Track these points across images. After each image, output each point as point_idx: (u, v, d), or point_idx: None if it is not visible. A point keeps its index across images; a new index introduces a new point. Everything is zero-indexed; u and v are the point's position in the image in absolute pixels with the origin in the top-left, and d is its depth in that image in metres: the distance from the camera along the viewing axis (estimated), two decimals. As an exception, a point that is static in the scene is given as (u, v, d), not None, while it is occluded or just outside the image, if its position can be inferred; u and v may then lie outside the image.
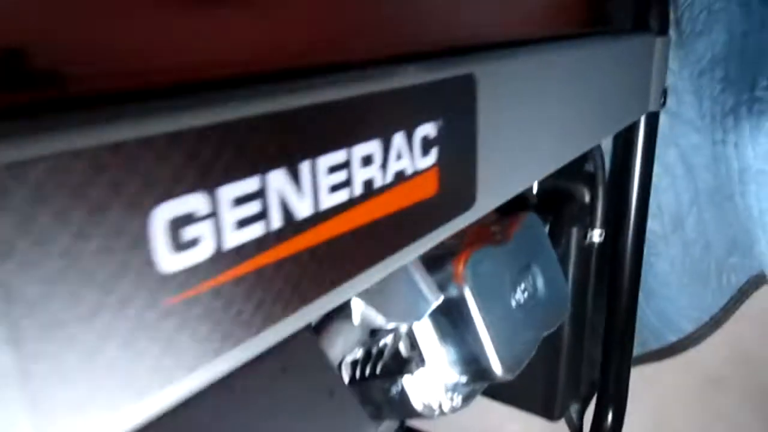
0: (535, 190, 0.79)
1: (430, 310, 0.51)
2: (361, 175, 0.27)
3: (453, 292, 0.54)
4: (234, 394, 0.28)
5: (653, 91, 0.73)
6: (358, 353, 0.60)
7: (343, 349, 0.52)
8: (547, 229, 0.74)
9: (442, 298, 0.51)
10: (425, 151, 0.31)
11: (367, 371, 0.59)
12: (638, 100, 0.72)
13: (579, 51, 0.53)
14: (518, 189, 0.43)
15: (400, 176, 0.30)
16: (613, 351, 0.90)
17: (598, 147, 0.78)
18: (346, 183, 0.27)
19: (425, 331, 0.55)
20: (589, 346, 0.98)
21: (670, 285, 0.94)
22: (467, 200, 0.37)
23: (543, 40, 0.46)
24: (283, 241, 0.24)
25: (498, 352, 0.54)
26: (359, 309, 0.49)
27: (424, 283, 0.52)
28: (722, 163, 0.77)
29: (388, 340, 0.55)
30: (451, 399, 0.56)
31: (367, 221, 0.28)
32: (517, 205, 0.76)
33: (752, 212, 0.75)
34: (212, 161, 0.20)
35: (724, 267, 0.89)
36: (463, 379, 0.56)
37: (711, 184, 0.81)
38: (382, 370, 0.58)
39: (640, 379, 1.05)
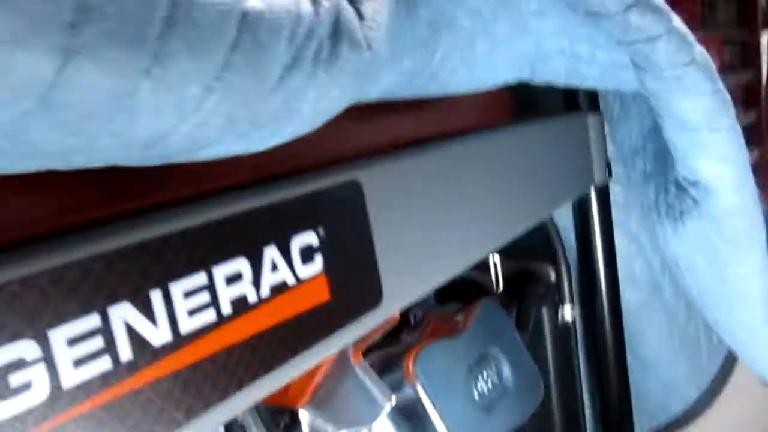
0: (500, 276, 0.80)
1: (382, 414, 0.50)
2: (227, 294, 0.28)
3: (407, 391, 0.53)
4: None
5: (596, 165, 0.75)
6: (326, 468, 0.58)
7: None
8: (514, 313, 0.73)
9: (394, 399, 0.50)
10: (307, 260, 0.32)
11: (335, 486, 0.57)
12: (582, 175, 0.74)
13: (499, 139, 0.56)
14: (434, 282, 0.43)
15: (279, 288, 0.31)
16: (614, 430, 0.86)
17: (553, 224, 0.79)
18: (210, 304, 0.27)
19: (386, 436, 0.54)
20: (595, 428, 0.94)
21: (664, 352, 0.91)
22: (372, 299, 0.37)
23: (444, 138, 0.48)
24: (136, 371, 0.24)
25: (460, 448, 0.52)
26: (306, 422, 0.49)
27: (373, 385, 0.51)
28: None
29: (349, 450, 0.54)
30: (424, 507, 0.53)
31: (244, 337, 0.29)
32: (480, 292, 0.77)
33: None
34: (38, 307, 0.21)
35: (710, 327, 0.87)
36: (434, 483, 0.54)
37: (675, 253, 0.81)
38: (349, 483, 0.56)
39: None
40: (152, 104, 0.20)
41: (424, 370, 0.53)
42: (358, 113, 0.35)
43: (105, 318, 0.23)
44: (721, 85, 0.54)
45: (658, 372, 0.93)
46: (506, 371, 0.61)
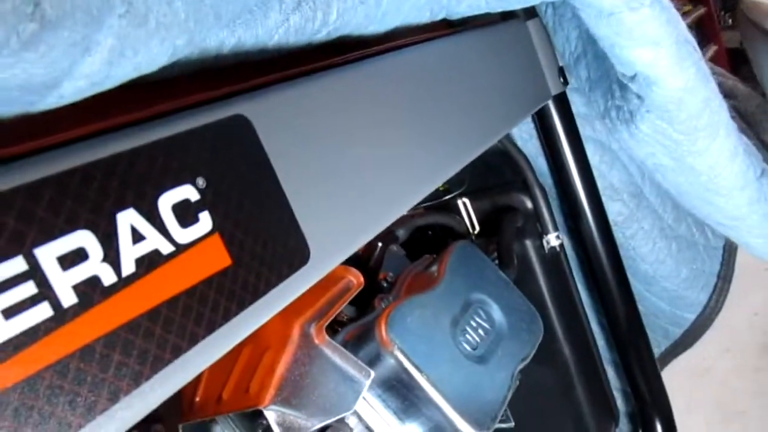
0: (473, 218, 0.73)
1: (362, 393, 0.43)
2: (64, 281, 0.21)
3: (387, 361, 0.46)
4: None
5: (548, 73, 0.68)
6: (320, 467, 0.52)
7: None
8: (495, 255, 0.67)
9: (372, 374, 0.44)
10: (187, 220, 0.25)
11: (334, 485, 0.50)
12: (535, 86, 0.67)
13: (426, 55, 0.48)
14: (372, 228, 0.36)
15: (152, 261, 0.24)
16: (630, 357, 0.80)
17: (519, 152, 0.72)
18: (41, 297, 0.20)
19: (376, 416, 0.47)
20: (611, 352, 0.88)
21: (662, 261, 0.85)
22: (297, 255, 0.30)
23: (359, 58, 0.40)
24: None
25: (459, 408, 0.45)
26: (274, 421, 0.42)
27: (346, 364, 0.44)
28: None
29: (338, 441, 0.47)
30: (434, 483, 0.47)
31: (110, 328, 0.22)
32: (455, 238, 0.70)
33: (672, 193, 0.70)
34: None
35: (701, 222, 0.81)
36: (440, 454, 0.47)
37: (641, 157, 0.75)
38: (347, 478, 0.49)
39: (688, 372, 0.94)
40: None
41: (400, 333, 0.46)
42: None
43: None
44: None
45: (661, 284, 0.87)
46: (497, 315, 0.54)
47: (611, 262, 0.77)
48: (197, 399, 0.47)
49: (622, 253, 0.80)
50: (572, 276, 0.77)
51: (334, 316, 0.47)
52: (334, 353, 0.45)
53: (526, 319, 0.56)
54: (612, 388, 0.88)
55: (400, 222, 0.61)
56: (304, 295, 0.52)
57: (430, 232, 0.72)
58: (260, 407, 0.41)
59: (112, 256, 0.22)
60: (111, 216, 0.23)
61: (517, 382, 0.54)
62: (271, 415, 0.42)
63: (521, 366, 0.53)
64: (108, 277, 0.22)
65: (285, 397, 0.42)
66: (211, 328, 0.25)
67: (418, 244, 0.67)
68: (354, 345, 0.47)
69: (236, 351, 0.48)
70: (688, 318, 0.88)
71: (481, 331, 0.52)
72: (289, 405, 0.42)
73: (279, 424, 0.41)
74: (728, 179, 0.62)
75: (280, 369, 0.43)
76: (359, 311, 0.55)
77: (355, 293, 0.50)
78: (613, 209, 0.79)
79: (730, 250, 0.86)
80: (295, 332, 0.45)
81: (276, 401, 0.42)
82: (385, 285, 0.58)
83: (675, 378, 0.90)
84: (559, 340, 0.74)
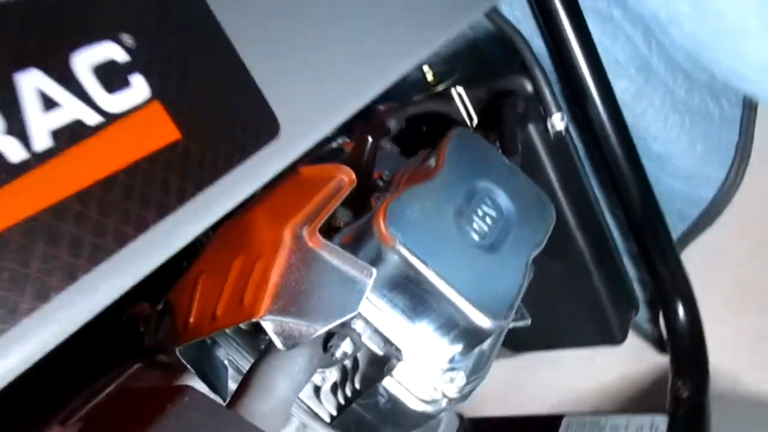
0: (470, 109, 0.68)
1: (366, 293, 0.40)
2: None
3: (389, 258, 0.42)
4: None
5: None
6: (333, 376, 0.49)
7: (295, 384, 0.41)
8: (497, 144, 0.62)
9: (374, 272, 0.40)
10: (115, 85, 0.21)
11: (348, 392, 0.48)
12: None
13: None
14: (354, 101, 0.31)
15: (72, 134, 0.19)
16: (647, 241, 0.77)
17: (512, 28, 0.66)
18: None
19: (384, 317, 0.44)
20: (627, 243, 0.85)
21: (676, 138, 0.80)
22: (264, 128, 0.26)
23: None
24: None
25: (471, 299, 0.42)
26: (273, 331, 0.38)
27: (345, 264, 0.40)
28: None
29: (347, 347, 0.44)
30: (452, 380, 0.44)
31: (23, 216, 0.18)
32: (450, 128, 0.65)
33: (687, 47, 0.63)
34: None
35: (716, 91, 0.76)
36: (455, 349, 0.45)
37: (653, 8, 0.68)
38: (361, 383, 0.47)
39: (705, 255, 0.91)
40: None
41: (400, 226, 0.42)
42: None
43: None
44: None
45: (675, 163, 0.82)
46: (504, 202, 0.50)
47: (622, 144, 0.72)
48: (191, 320, 0.44)
49: (631, 134, 0.75)
50: (581, 162, 0.73)
51: (326, 217, 0.44)
52: (331, 255, 0.41)
53: (536, 205, 0.52)
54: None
55: (391, 113, 0.56)
56: (292, 199, 0.48)
57: (424, 128, 0.67)
58: (256, 318, 0.38)
59: (17, 128, 0.18)
60: (7, 77, 0.18)
61: (532, 274, 0.51)
62: (269, 325, 0.38)
63: (535, 253, 0.50)
64: (15, 153, 0.18)
65: (282, 305, 0.39)
66: (163, 213, 0.21)
67: (412, 142, 0.62)
68: (351, 247, 0.43)
69: (228, 264, 0.44)
70: (705, 197, 0.83)
71: (488, 220, 0.48)
72: (287, 313, 0.39)
73: (278, 334, 0.38)
74: (754, 18, 0.56)
75: (274, 277, 0.40)
76: (356, 215, 0.51)
77: (348, 192, 0.46)
78: (619, 86, 0.73)
79: (748, 120, 0.81)
80: (287, 236, 0.42)
81: (272, 311, 0.39)
82: (380, 184, 0.54)
83: (692, 262, 0.87)
84: (572, 230, 0.71)
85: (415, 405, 0.44)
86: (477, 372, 0.47)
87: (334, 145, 0.59)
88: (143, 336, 0.54)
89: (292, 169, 0.54)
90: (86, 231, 0.19)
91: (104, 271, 0.19)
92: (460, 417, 0.77)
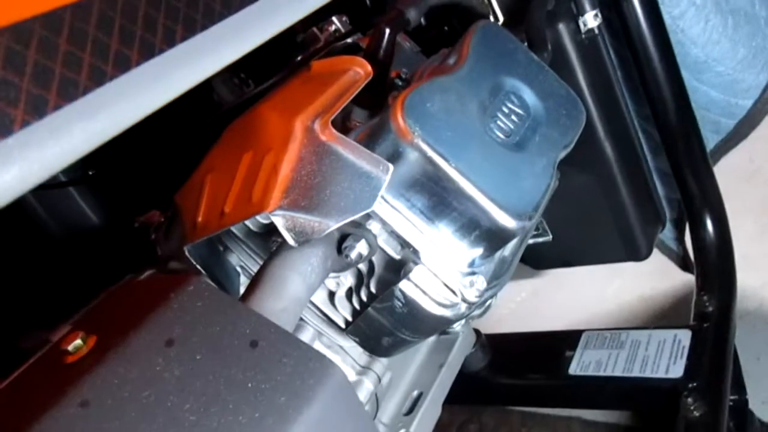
0: (495, 6, 0.63)
1: (382, 188, 0.37)
2: None
3: (408, 154, 0.40)
4: None
5: None
6: (347, 281, 0.48)
7: (308, 284, 0.39)
8: (524, 42, 0.57)
9: (391, 167, 0.37)
10: None
11: (364, 296, 0.46)
12: None
13: None
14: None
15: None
16: (680, 151, 0.73)
17: None
18: None
19: (401, 218, 0.42)
20: (656, 160, 0.81)
21: (717, 41, 0.74)
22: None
23: None
24: None
25: (495, 198, 0.39)
26: (283, 226, 0.36)
27: (360, 158, 0.38)
28: None
29: (362, 249, 0.42)
30: (471, 284, 0.42)
31: None
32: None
33: None
34: None
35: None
36: (476, 252, 0.42)
37: None
38: (377, 287, 0.45)
39: (735, 174, 0.87)
40: None
41: (419, 119, 0.39)
42: None
43: None
44: None
45: (714, 69, 0.77)
46: (531, 100, 0.47)
47: (659, 48, 0.67)
48: (199, 219, 0.42)
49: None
50: (613, 65, 0.68)
51: (340, 109, 0.40)
52: (344, 148, 0.38)
53: (565, 104, 0.49)
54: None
55: (410, 2, 0.51)
56: (304, 92, 0.45)
57: (446, 28, 0.63)
58: (265, 212, 0.36)
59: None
60: None
61: (557, 182, 0.48)
62: (279, 220, 0.36)
63: (563, 154, 0.47)
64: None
65: (293, 199, 0.37)
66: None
67: (433, 43, 0.58)
68: (367, 144, 0.40)
69: (236, 161, 0.42)
70: (743, 105, 0.79)
71: (514, 117, 0.45)
72: (298, 208, 0.36)
73: (289, 230, 0.36)
74: None
75: (284, 170, 0.37)
76: (372, 116, 0.48)
77: (364, 84, 0.42)
78: (658, -16, 0.67)
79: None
80: (298, 129, 0.39)
81: (283, 205, 0.36)
82: (399, 83, 0.50)
83: (721, 181, 0.83)
84: (600, 139, 0.67)
85: (432, 309, 0.42)
86: (498, 277, 0.45)
87: (349, 40, 0.55)
88: (155, 244, 0.53)
89: (303, 64, 0.51)
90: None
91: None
92: (477, 333, 0.76)
